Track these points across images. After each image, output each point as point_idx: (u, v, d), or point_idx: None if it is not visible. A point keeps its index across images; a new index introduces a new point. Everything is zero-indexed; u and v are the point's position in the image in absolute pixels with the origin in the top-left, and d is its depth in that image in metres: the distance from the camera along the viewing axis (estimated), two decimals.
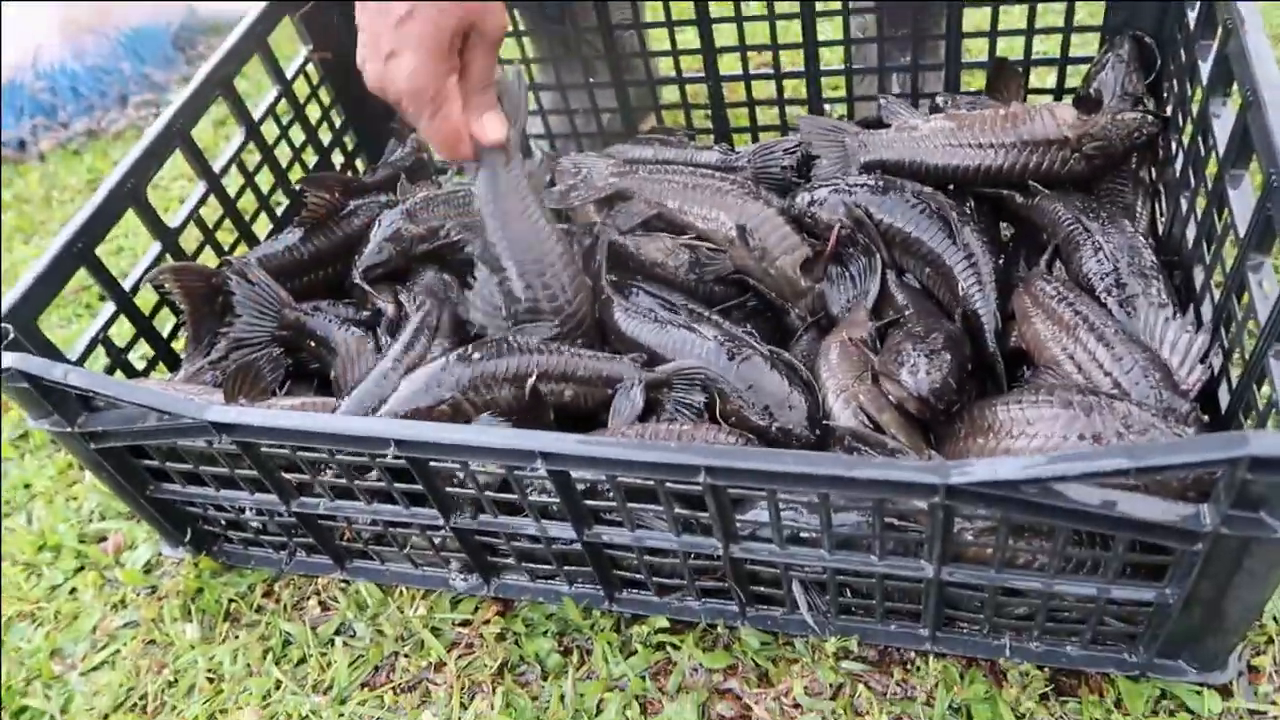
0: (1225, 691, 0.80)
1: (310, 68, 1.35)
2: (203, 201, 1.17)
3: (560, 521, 0.85)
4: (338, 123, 1.40)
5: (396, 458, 0.78)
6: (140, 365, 1.10)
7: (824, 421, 0.93)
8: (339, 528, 0.98)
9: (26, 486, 1.22)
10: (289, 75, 1.31)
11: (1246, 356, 0.80)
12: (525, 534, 0.87)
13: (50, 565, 1.11)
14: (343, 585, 1.03)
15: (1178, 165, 1.04)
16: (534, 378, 0.94)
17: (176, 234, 1.13)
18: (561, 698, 0.89)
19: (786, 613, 0.89)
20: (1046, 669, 0.84)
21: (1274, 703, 0.80)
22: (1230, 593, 0.70)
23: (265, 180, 1.28)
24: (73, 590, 1.08)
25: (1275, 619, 0.85)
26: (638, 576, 0.90)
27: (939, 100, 1.20)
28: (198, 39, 2.45)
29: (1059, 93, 1.25)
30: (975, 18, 1.37)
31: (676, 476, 0.73)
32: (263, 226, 1.28)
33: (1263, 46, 0.82)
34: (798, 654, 0.89)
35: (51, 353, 0.95)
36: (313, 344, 1.11)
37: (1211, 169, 0.92)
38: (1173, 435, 0.77)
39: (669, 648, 0.91)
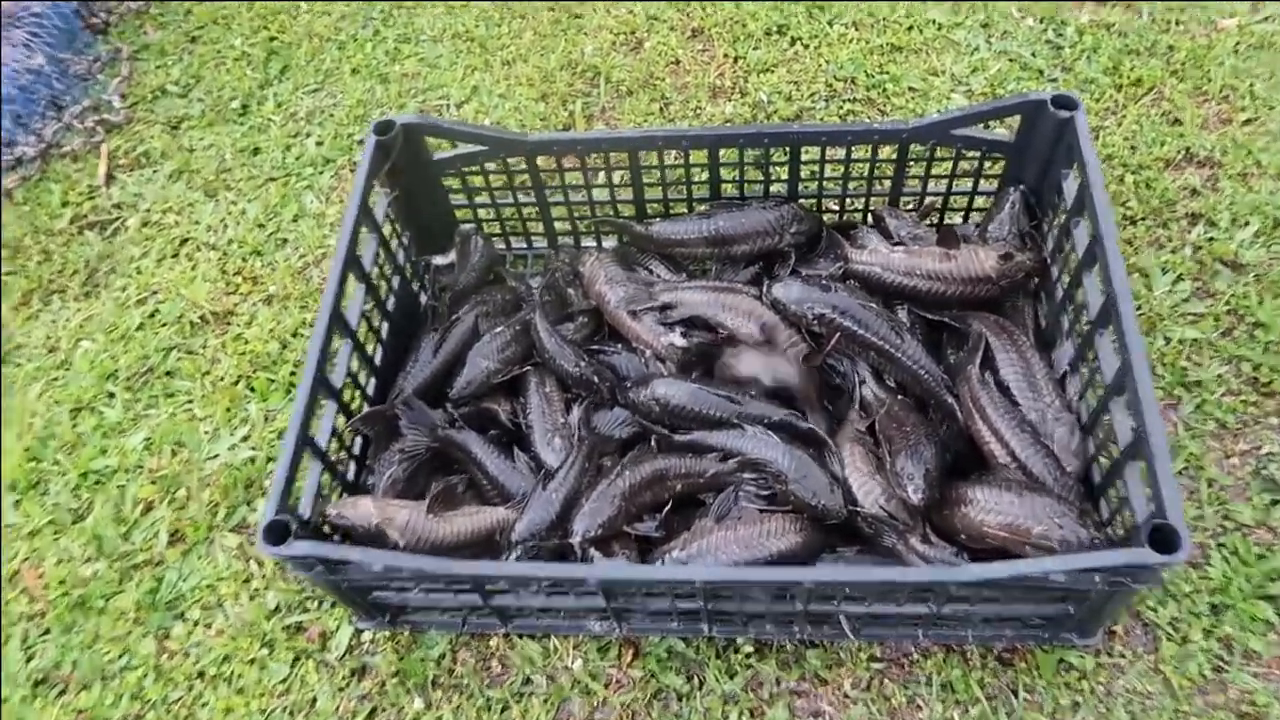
0: (1096, 653, 1.35)
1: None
2: (351, 357, 1.47)
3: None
4: (399, 228, 1.67)
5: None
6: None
7: (852, 507, 1.36)
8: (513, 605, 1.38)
9: (210, 588, 1.54)
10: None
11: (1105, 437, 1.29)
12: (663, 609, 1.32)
13: (272, 659, 1.47)
14: (509, 646, 1.45)
15: (1054, 278, 1.51)
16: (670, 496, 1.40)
17: (340, 392, 1.42)
18: (695, 713, 1.37)
19: (832, 630, 1.37)
20: (995, 650, 1.36)
21: (1123, 655, 1.35)
22: (1107, 606, 1.23)
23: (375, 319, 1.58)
24: (301, 678, 1.45)
25: None
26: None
27: (891, 226, 1.58)
28: (97, 6, 2.38)
29: (965, 214, 1.72)
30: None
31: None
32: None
33: (1103, 194, 1.31)
34: (841, 660, 1.39)
35: (306, 527, 1.28)
36: (458, 453, 1.48)
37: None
38: (1076, 523, 1.24)
39: (756, 667, 1.39)
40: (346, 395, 1.46)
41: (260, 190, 2.02)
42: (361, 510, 1.35)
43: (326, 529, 1.35)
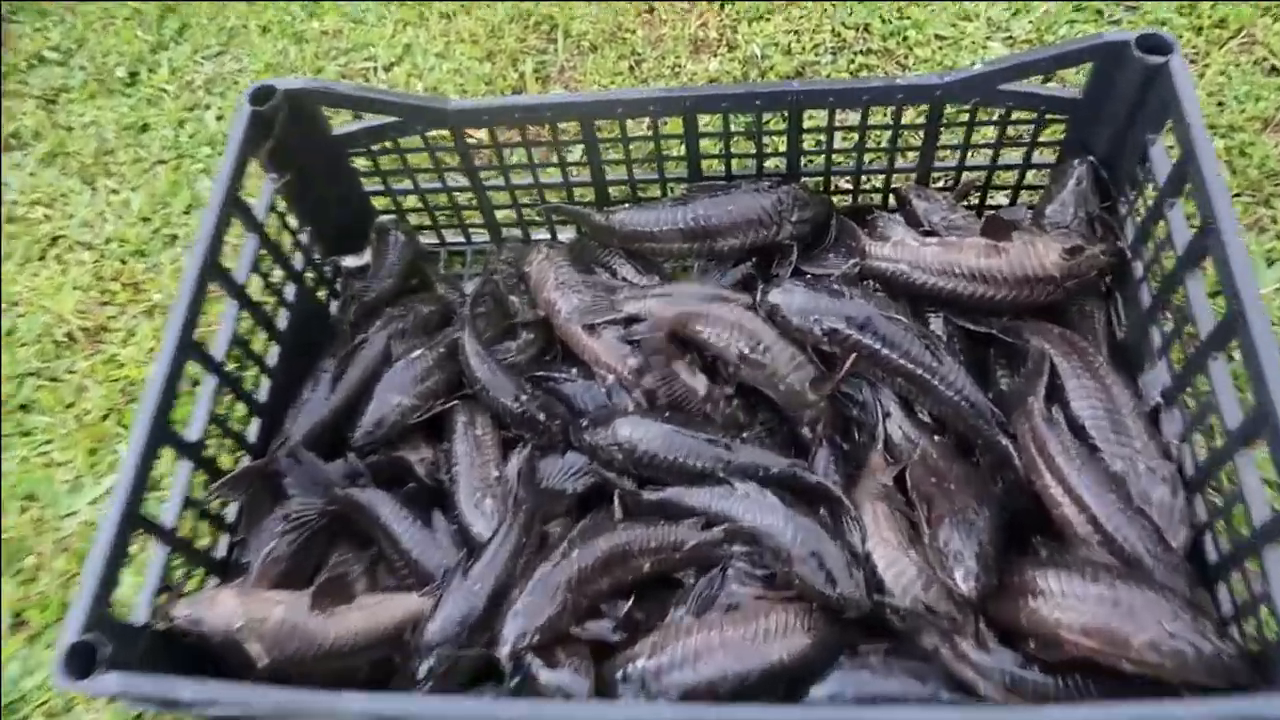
0: None
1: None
2: (216, 397, 1.12)
3: None
4: (294, 225, 1.33)
5: None
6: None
7: (880, 596, 1.01)
8: None
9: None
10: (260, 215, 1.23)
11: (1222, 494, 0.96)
12: None
13: None
14: None
15: (1137, 277, 1.16)
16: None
17: (200, 447, 1.08)
18: None
19: None
20: None
21: None
22: None
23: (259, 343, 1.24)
24: None
25: None
26: None
27: (920, 210, 1.24)
28: None
29: (1014, 195, 1.39)
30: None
31: None
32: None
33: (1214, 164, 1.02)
34: None
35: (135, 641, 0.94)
36: (362, 518, 1.14)
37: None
38: (1193, 629, 0.89)
39: None
40: (212, 446, 1.12)
41: (146, 175, 1.67)
42: (221, 609, 1.00)
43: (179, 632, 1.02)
